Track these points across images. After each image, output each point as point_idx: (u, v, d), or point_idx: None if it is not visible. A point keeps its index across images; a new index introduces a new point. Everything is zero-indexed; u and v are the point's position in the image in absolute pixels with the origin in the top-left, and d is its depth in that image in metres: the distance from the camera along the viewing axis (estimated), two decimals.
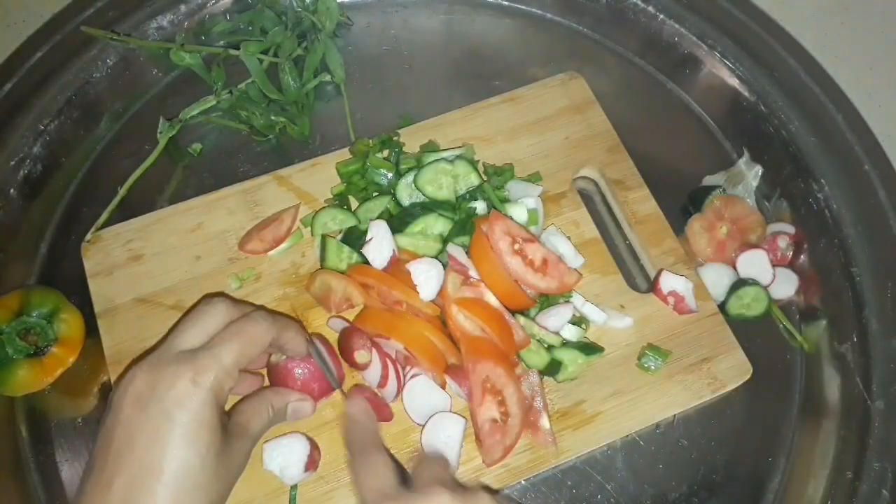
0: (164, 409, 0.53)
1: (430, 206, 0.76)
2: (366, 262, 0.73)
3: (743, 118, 0.90)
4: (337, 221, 0.78)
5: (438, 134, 0.84)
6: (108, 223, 0.80)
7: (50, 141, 0.85)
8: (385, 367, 0.68)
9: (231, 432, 0.57)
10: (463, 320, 0.69)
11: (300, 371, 0.67)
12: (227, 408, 0.58)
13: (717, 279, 0.78)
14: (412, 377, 0.69)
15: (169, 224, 0.79)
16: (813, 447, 0.74)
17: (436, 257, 0.73)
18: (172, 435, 0.52)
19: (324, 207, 0.79)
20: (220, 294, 0.73)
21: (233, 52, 0.87)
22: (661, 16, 0.93)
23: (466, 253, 0.73)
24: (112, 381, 0.72)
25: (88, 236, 0.79)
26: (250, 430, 0.59)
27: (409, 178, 0.77)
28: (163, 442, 0.52)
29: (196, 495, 0.53)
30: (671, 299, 0.76)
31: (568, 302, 0.74)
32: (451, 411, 0.69)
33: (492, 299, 0.70)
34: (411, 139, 0.84)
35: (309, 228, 0.78)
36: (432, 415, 0.68)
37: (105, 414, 0.55)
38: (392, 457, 0.61)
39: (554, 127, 0.85)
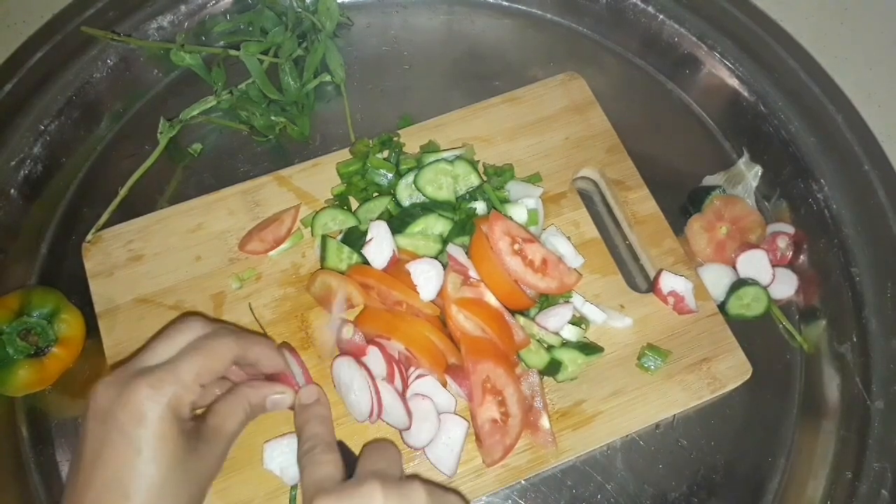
0: (121, 425, 0.53)
1: (430, 207, 0.76)
2: (366, 262, 0.73)
3: (742, 118, 0.90)
4: (337, 222, 0.78)
5: (438, 134, 0.84)
6: (108, 223, 0.80)
7: (50, 141, 0.85)
8: (391, 368, 0.68)
9: (203, 436, 0.57)
10: (463, 320, 0.69)
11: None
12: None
13: (716, 279, 0.79)
14: (417, 377, 0.69)
15: (169, 224, 0.79)
16: (813, 447, 0.74)
17: (436, 257, 0.73)
18: (130, 451, 0.53)
19: (324, 208, 0.79)
20: (197, 314, 0.73)
21: (233, 52, 0.87)
22: (661, 16, 0.93)
23: (466, 253, 0.73)
24: None
25: (89, 236, 0.79)
26: (225, 431, 0.59)
27: (409, 178, 0.77)
28: (123, 458, 0.53)
29: None
30: (671, 299, 0.76)
31: (568, 302, 0.74)
32: (454, 412, 0.69)
33: (492, 299, 0.70)
34: (411, 140, 0.84)
35: (309, 229, 0.78)
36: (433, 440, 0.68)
37: (81, 425, 0.56)
38: (346, 449, 0.64)
39: (554, 127, 0.85)
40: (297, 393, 0.65)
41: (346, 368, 0.68)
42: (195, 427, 0.58)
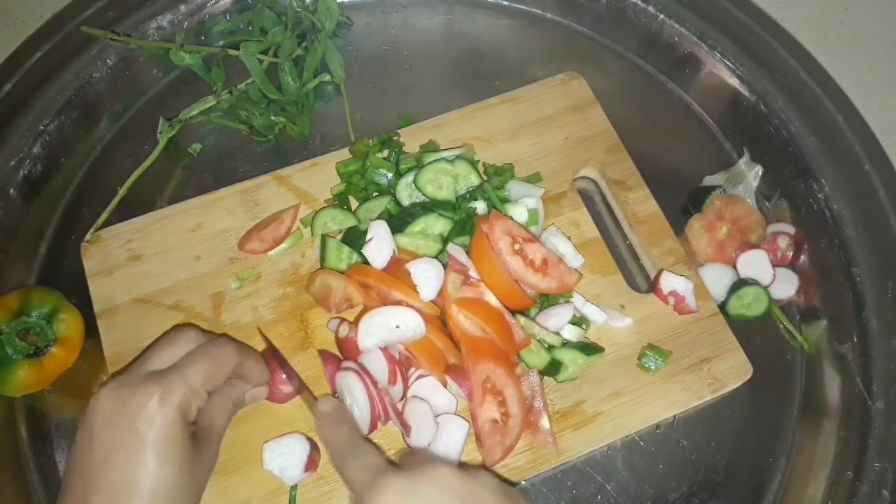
0: (135, 427, 0.54)
1: (430, 206, 0.76)
2: (366, 262, 0.73)
3: (743, 118, 0.90)
4: (337, 221, 0.77)
5: (438, 134, 0.84)
6: (107, 223, 0.80)
7: (50, 141, 0.85)
8: (393, 370, 0.68)
9: (199, 438, 0.59)
10: (463, 320, 0.68)
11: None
12: None
13: (717, 279, 0.78)
14: (417, 378, 0.69)
15: (169, 224, 0.79)
16: (813, 447, 0.74)
17: (436, 257, 0.73)
18: (144, 452, 0.54)
19: (324, 207, 0.78)
20: (190, 324, 0.73)
21: (232, 52, 0.87)
22: (662, 16, 0.93)
23: (467, 253, 0.72)
24: None
25: (88, 236, 0.79)
26: (216, 429, 0.61)
27: (409, 178, 0.77)
28: (136, 459, 0.53)
29: None
30: (671, 299, 0.76)
31: (568, 302, 0.74)
32: (455, 413, 0.69)
33: (492, 299, 0.70)
34: (411, 139, 0.83)
35: (309, 228, 0.78)
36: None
37: (77, 433, 0.56)
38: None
39: (554, 127, 0.85)
40: (316, 405, 0.64)
41: (347, 381, 0.67)
42: (193, 432, 0.59)
